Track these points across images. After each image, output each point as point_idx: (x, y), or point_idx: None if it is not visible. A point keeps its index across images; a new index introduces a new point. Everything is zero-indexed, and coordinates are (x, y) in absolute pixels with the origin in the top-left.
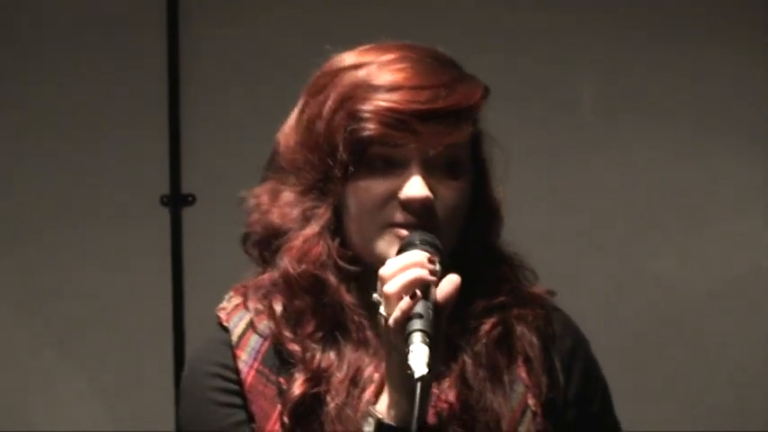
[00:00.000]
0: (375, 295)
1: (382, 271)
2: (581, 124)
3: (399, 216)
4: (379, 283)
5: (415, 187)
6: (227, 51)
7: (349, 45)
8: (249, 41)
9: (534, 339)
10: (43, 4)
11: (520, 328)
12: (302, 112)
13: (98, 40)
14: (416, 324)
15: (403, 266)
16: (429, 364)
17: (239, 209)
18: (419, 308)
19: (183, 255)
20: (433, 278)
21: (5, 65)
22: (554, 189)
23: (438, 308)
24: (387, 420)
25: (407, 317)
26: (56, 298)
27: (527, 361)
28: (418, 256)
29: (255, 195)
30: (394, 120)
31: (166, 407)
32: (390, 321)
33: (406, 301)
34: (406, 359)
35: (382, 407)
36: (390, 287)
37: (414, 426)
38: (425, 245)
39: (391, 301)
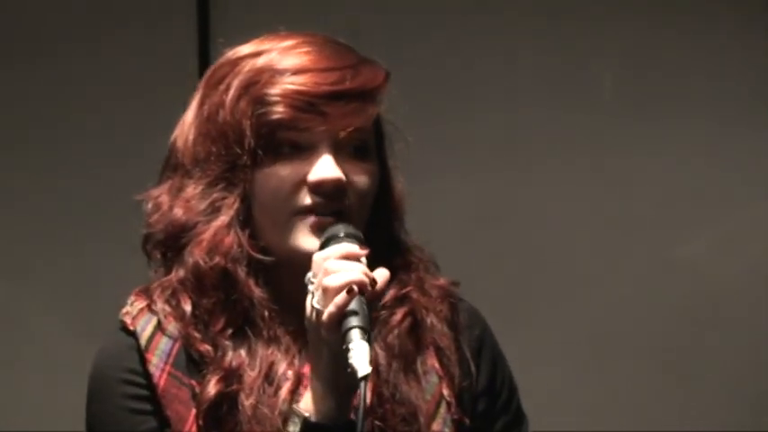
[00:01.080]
0: (310, 286)
1: (318, 258)
2: (608, 115)
3: (309, 200)
4: (312, 269)
5: (327, 168)
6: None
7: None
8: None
9: (444, 329)
10: None
11: (429, 319)
12: (201, 105)
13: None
14: (354, 321)
15: (345, 263)
16: (371, 362)
17: (137, 213)
18: (355, 304)
19: None
20: (367, 279)
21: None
22: (582, 179)
23: (370, 304)
24: (314, 418)
25: (343, 314)
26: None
27: (438, 351)
28: (352, 248)
29: (154, 196)
30: (302, 102)
31: None
32: (325, 316)
33: (342, 296)
34: (342, 356)
35: (307, 405)
36: (332, 281)
37: (360, 425)
38: (351, 237)
39: (329, 294)
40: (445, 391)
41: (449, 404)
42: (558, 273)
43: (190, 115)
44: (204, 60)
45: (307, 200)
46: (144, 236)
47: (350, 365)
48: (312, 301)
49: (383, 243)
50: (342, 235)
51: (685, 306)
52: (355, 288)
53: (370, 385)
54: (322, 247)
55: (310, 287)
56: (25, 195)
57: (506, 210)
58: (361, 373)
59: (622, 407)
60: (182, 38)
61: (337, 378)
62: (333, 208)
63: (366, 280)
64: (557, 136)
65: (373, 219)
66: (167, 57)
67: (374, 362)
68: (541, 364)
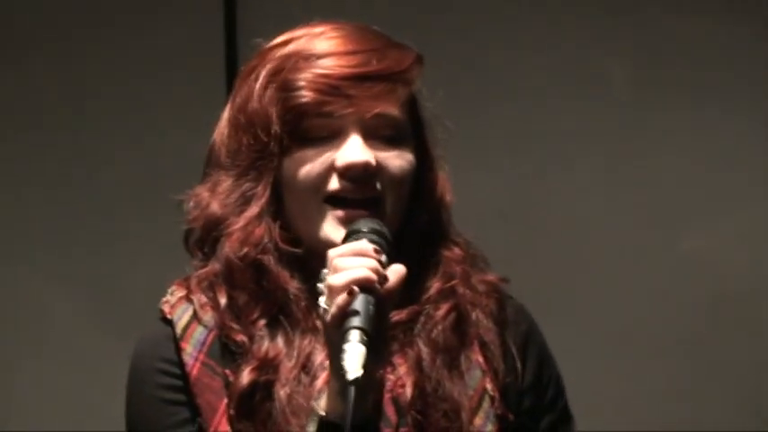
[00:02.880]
0: (320, 285)
1: (331, 254)
2: (625, 108)
3: (339, 185)
4: (325, 270)
5: (355, 151)
6: None
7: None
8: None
9: (490, 324)
10: None
11: (475, 314)
12: (234, 98)
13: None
14: (353, 321)
15: (351, 260)
16: (365, 366)
17: (169, 208)
18: (358, 304)
19: None
20: (376, 278)
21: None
22: (599, 173)
23: (381, 302)
24: (329, 417)
25: (344, 314)
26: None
27: (483, 346)
28: (366, 246)
29: (194, 194)
30: (327, 86)
31: None
32: (328, 317)
33: (342, 297)
34: (342, 360)
35: (325, 402)
36: (335, 280)
37: (347, 429)
38: (373, 233)
39: (333, 293)
40: (488, 386)
41: (492, 399)
42: (575, 267)
43: (225, 112)
44: (232, 56)
45: (335, 185)
46: (185, 232)
47: (341, 368)
48: (320, 301)
49: (426, 234)
50: (364, 230)
51: (707, 301)
52: (356, 288)
53: (410, 379)
54: (344, 241)
55: (320, 285)
56: (55, 187)
57: (522, 204)
58: (350, 377)
59: (643, 401)
60: (209, 34)
61: (344, 382)
62: (363, 194)
63: (374, 278)
64: (572, 130)
65: (415, 210)
66: (194, 53)
67: (417, 356)
68: (556, 357)
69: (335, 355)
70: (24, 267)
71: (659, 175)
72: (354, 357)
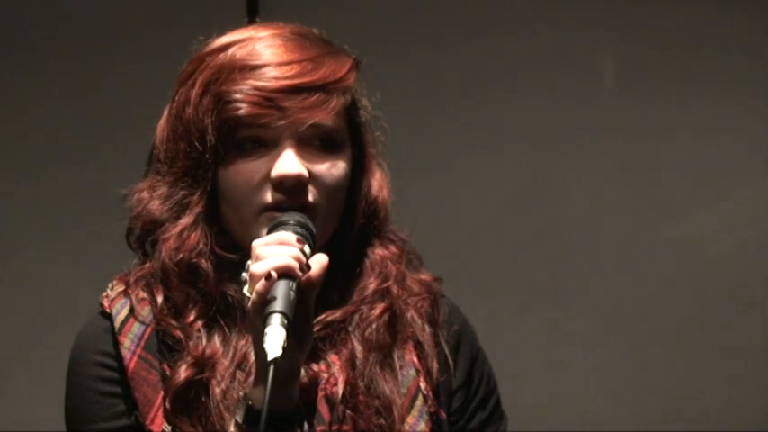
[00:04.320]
0: (243, 274)
1: (254, 245)
2: (606, 95)
3: (272, 197)
4: (249, 261)
5: (287, 164)
6: None
7: None
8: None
9: (424, 324)
10: None
11: (410, 314)
12: (173, 101)
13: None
14: (274, 306)
15: (273, 248)
16: (285, 348)
17: (123, 206)
18: (278, 290)
19: None
20: (296, 264)
21: None
22: (609, 161)
23: (304, 289)
24: (255, 405)
25: (264, 300)
26: None
27: (417, 346)
28: (287, 237)
29: (137, 191)
30: (260, 98)
31: None
32: (249, 303)
33: (261, 283)
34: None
35: (252, 392)
36: (257, 268)
37: (264, 409)
38: (297, 225)
39: (255, 281)
40: (422, 385)
41: (425, 397)
42: (587, 254)
43: (166, 111)
44: None
45: (269, 197)
46: (126, 229)
47: (263, 350)
48: (244, 289)
49: (363, 235)
50: (290, 222)
51: (715, 287)
52: (274, 274)
53: (342, 377)
54: (268, 233)
55: (244, 274)
56: (83, 173)
57: (534, 191)
58: (270, 356)
59: (650, 386)
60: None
61: (267, 367)
62: (296, 204)
63: (294, 265)
64: (583, 118)
65: (350, 211)
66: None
67: (350, 354)
68: (571, 344)
69: (258, 340)
70: (52, 254)
71: (673, 163)
72: (274, 339)
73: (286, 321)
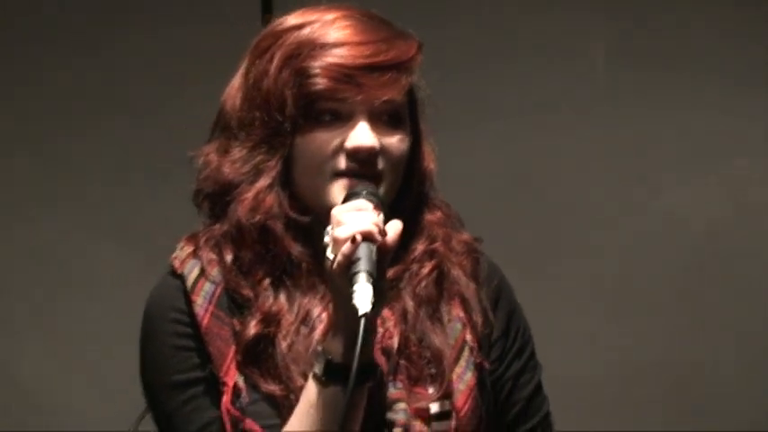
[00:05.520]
0: (326, 238)
1: (335, 212)
2: (596, 76)
3: (346, 165)
4: (329, 227)
5: (362, 136)
6: None
7: None
8: None
9: (468, 281)
10: None
11: (455, 271)
12: (247, 72)
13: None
14: (360, 266)
15: (354, 214)
16: (373, 302)
17: (190, 167)
18: (362, 251)
19: None
20: (376, 229)
21: None
22: (600, 134)
23: (382, 252)
24: (334, 359)
25: (350, 260)
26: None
27: (463, 301)
28: (364, 204)
29: (204, 154)
30: (340, 74)
31: None
32: (334, 265)
33: (347, 245)
34: (350, 300)
35: (330, 346)
36: (340, 232)
37: (355, 361)
38: (370, 195)
39: (338, 244)
40: (468, 337)
41: (471, 349)
42: (574, 227)
43: (237, 81)
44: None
45: (343, 164)
46: (195, 190)
47: (352, 306)
48: (328, 252)
49: (414, 202)
50: (363, 192)
51: (699, 258)
52: (359, 237)
53: (397, 330)
54: (343, 203)
55: (326, 239)
56: (104, 143)
57: (522, 167)
58: (361, 311)
59: (645, 349)
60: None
61: (351, 322)
62: (367, 172)
63: (374, 230)
64: (571, 95)
65: (407, 180)
66: (231, 27)
67: (403, 309)
68: (567, 312)
69: (341, 300)
70: (71, 220)
71: (662, 137)
72: (364, 295)
73: (372, 279)
